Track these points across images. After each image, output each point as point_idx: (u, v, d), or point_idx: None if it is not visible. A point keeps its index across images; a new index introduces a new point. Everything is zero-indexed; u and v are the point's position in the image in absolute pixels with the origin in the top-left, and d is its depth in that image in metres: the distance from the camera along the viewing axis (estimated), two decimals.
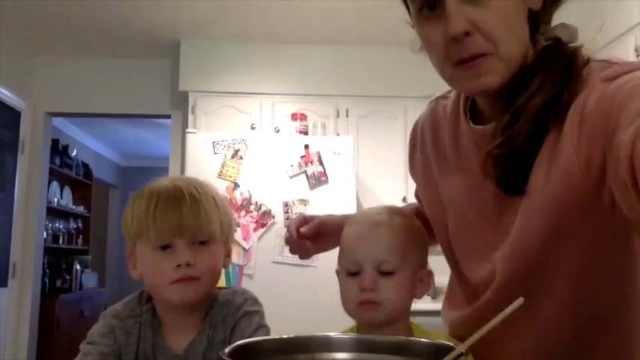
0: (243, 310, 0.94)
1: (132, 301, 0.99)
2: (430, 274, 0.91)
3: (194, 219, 0.91)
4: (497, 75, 0.70)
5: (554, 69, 0.70)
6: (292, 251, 1.05)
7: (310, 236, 1.01)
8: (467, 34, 0.67)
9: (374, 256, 0.86)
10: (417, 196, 1.06)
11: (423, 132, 0.93)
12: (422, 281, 0.90)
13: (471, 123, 0.80)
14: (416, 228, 0.92)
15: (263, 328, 0.94)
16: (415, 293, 0.89)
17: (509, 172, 0.71)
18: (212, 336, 0.93)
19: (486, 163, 0.73)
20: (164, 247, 0.91)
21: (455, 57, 0.70)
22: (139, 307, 0.97)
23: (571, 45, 0.71)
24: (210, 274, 0.94)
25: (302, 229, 1.01)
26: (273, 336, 0.78)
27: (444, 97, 0.91)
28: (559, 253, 0.71)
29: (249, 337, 0.89)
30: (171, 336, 0.95)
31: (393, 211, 0.93)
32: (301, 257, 1.06)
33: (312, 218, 1.04)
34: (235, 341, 0.89)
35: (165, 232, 0.90)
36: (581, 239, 0.70)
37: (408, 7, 0.77)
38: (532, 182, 0.70)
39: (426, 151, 0.92)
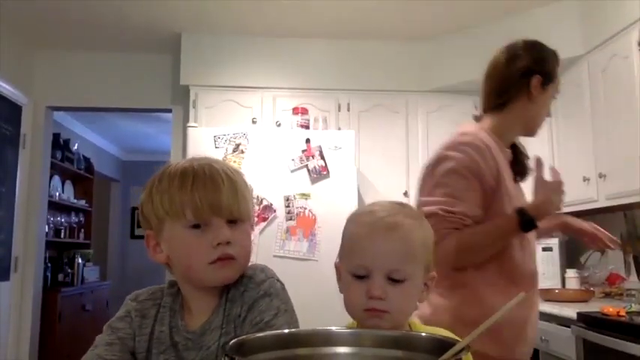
0: (264, 290, 0.91)
1: (157, 286, 0.98)
2: (434, 278, 0.87)
3: (232, 198, 0.90)
4: None
5: None
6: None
7: None
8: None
9: (386, 263, 0.81)
10: (466, 215, 1.41)
11: (484, 152, 1.42)
12: (426, 285, 0.87)
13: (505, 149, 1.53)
14: (427, 229, 0.88)
15: (285, 313, 0.90)
16: (420, 298, 0.86)
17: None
18: (229, 309, 0.91)
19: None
20: (198, 226, 0.88)
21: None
22: (160, 291, 0.97)
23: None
24: (245, 254, 0.93)
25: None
26: (273, 331, 0.78)
27: (475, 137, 1.49)
28: None
29: (268, 322, 0.87)
30: (191, 316, 0.93)
31: (405, 211, 0.87)
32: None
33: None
34: (252, 320, 0.88)
35: (205, 209, 0.88)
36: None
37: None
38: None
39: (490, 162, 1.42)
